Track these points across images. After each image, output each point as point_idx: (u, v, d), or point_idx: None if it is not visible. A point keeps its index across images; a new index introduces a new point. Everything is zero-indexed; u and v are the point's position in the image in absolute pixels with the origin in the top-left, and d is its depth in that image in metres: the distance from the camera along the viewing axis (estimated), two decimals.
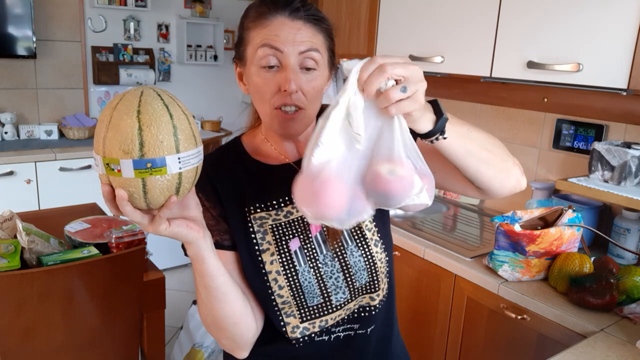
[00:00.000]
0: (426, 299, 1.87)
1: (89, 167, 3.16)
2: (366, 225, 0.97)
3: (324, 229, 0.95)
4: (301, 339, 0.94)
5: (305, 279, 0.92)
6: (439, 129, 0.74)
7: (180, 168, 0.68)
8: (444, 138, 0.75)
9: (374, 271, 0.95)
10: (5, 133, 3.24)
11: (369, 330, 0.99)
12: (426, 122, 0.74)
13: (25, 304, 1.35)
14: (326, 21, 0.90)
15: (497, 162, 0.86)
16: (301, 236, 0.93)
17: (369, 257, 0.95)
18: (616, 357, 1.22)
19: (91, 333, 1.49)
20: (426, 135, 0.75)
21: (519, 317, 1.52)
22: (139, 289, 1.56)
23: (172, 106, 0.70)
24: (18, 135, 3.30)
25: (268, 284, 0.90)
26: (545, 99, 2.08)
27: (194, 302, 2.52)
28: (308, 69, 0.87)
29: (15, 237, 1.54)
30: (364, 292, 0.96)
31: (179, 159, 0.68)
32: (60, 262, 1.42)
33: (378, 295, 0.98)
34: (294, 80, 0.85)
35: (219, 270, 0.84)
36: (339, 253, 0.94)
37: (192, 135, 0.71)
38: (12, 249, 1.45)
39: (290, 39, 0.85)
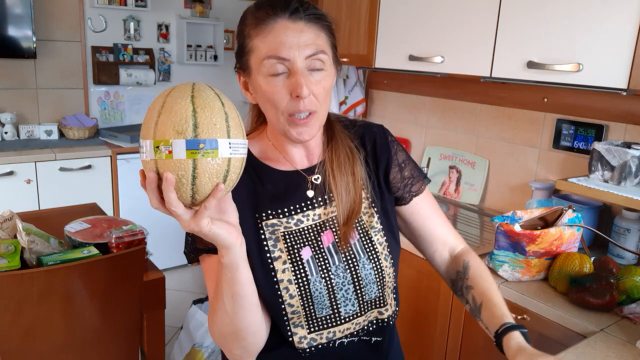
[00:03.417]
0: (426, 299, 1.87)
1: (89, 167, 3.16)
2: (377, 239, 0.96)
3: (336, 239, 0.93)
4: (308, 349, 0.92)
5: (317, 289, 0.90)
6: None
7: (230, 153, 0.69)
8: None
9: (382, 285, 0.95)
10: (5, 133, 3.24)
11: (373, 339, 0.99)
12: None
13: (25, 304, 1.35)
14: (326, 18, 0.89)
15: None
16: (312, 245, 0.92)
17: (379, 270, 0.94)
18: (616, 357, 1.22)
19: (91, 333, 1.49)
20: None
21: (519, 317, 1.52)
22: (139, 289, 1.56)
23: (222, 97, 0.72)
24: (18, 135, 3.30)
25: (279, 292, 0.89)
26: (545, 99, 2.08)
27: (194, 302, 2.52)
28: (316, 70, 0.86)
29: (15, 237, 1.54)
30: (373, 306, 0.95)
31: (229, 143, 0.69)
32: (60, 262, 1.42)
33: (387, 310, 0.97)
34: (305, 84, 0.84)
35: (250, 278, 0.83)
36: (351, 265, 0.93)
37: (240, 126, 0.73)
38: (12, 249, 1.45)
39: (295, 44, 0.83)
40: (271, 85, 0.85)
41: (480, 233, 2.05)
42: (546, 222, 1.63)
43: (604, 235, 1.66)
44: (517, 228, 1.52)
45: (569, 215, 1.59)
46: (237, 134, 0.71)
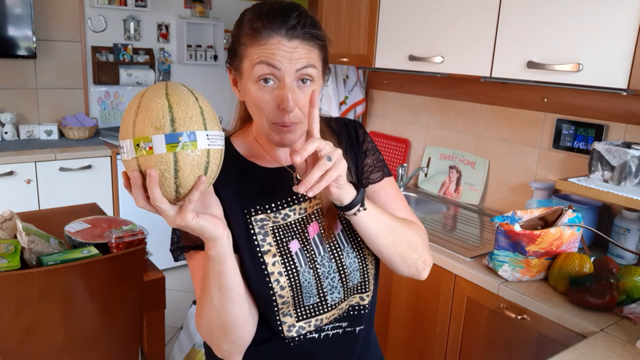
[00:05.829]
0: (426, 299, 1.87)
1: (89, 167, 3.16)
2: None
3: (321, 230, 0.97)
4: (297, 338, 0.95)
5: (306, 279, 0.93)
6: (359, 200, 0.86)
7: (209, 145, 0.71)
8: (364, 209, 0.87)
9: (365, 272, 0.99)
10: (5, 133, 3.24)
11: (357, 329, 1.02)
12: (349, 194, 0.84)
13: (25, 304, 1.35)
14: (322, 36, 0.89)
15: (400, 250, 0.95)
16: (300, 238, 0.95)
17: (363, 258, 0.98)
18: (616, 357, 1.22)
19: (91, 333, 1.49)
20: (348, 207, 0.85)
21: (519, 317, 1.52)
22: (139, 289, 1.56)
23: (195, 92, 0.75)
24: (18, 135, 3.30)
25: (270, 284, 0.91)
26: (545, 99, 2.08)
27: (194, 302, 2.52)
28: (304, 82, 0.88)
29: (15, 237, 1.54)
30: (356, 292, 0.99)
31: (207, 135, 0.71)
32: (60, 262, 1.42)
33: (368, 296, 1.01)
34: (292, 99, 0.85)
35: (236, 270, 0.85)
36: (336, 254, 0.96)
37: (215, 119, 0.75)
38: (12, 249, 1.45)
39: (287, 58, 0.84)
40: (260, 93, 0.87)
41: (480, 233, 2.05)
42: (546, 222, 1.63)
43: (604, 235, 1.66)
44: (517, 228, 1.52)
45: (569, 215, 1.59)
46: (213, 126, 0.74)
